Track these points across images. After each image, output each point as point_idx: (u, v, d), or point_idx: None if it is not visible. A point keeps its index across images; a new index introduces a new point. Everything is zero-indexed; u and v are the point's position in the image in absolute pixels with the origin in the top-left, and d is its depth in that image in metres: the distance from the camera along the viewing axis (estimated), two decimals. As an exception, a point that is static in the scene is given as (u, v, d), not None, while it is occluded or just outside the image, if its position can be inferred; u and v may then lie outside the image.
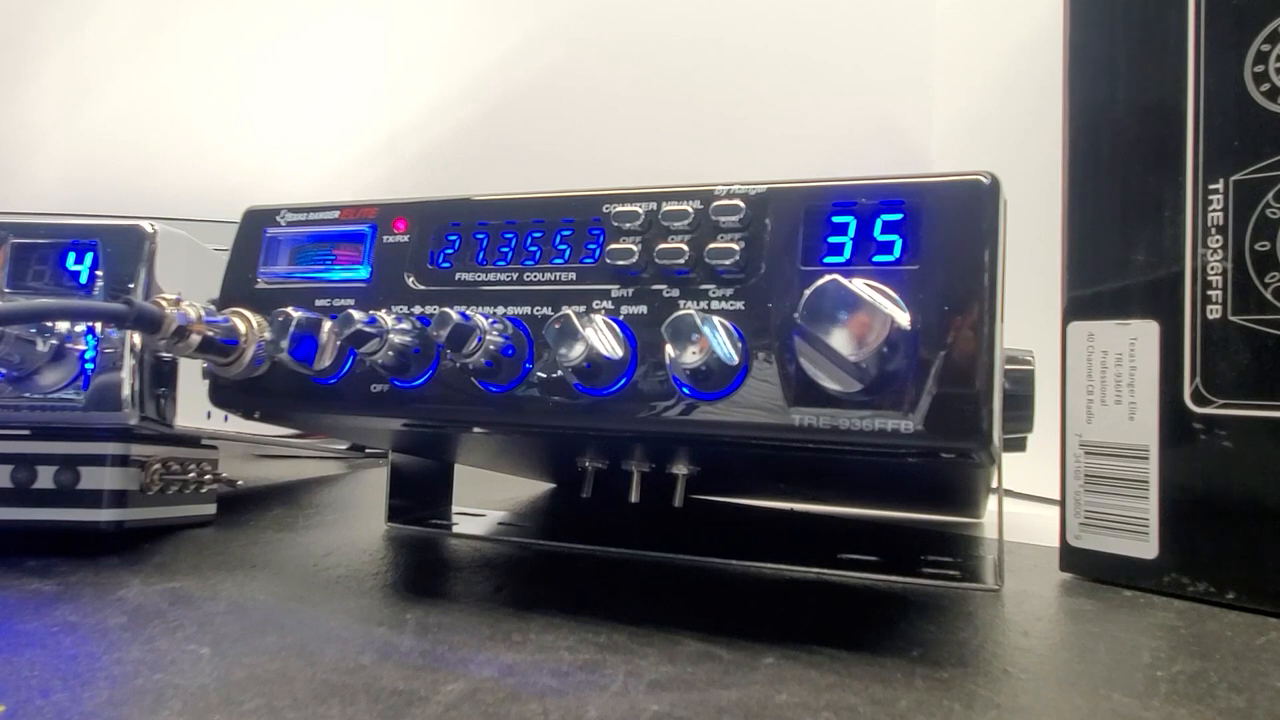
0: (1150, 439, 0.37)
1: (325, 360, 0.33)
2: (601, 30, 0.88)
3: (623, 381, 0.29)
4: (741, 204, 0.29)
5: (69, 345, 0.38)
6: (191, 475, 0.44)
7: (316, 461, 0.73)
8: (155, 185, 0.86)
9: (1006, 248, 0.27)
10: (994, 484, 0.38)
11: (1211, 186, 0.35)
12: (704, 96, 0.86)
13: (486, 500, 0.53)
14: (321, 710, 0.22)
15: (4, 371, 0.38)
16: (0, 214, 0.48)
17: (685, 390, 0.28)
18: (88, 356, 0.39)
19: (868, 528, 0.51)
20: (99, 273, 0.40)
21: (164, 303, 0.32)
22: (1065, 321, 0.39)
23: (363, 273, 0.34)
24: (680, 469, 0.35)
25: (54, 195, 0.87)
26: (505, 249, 0.33)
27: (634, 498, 0.37)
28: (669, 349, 0.27)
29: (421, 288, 0.33)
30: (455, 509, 0.51)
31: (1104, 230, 0.38)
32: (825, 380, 0.26)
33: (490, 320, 0.31)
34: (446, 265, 0.33)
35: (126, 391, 0.38)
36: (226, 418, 0.41)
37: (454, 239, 0.33)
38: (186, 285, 0.37)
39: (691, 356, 0.27)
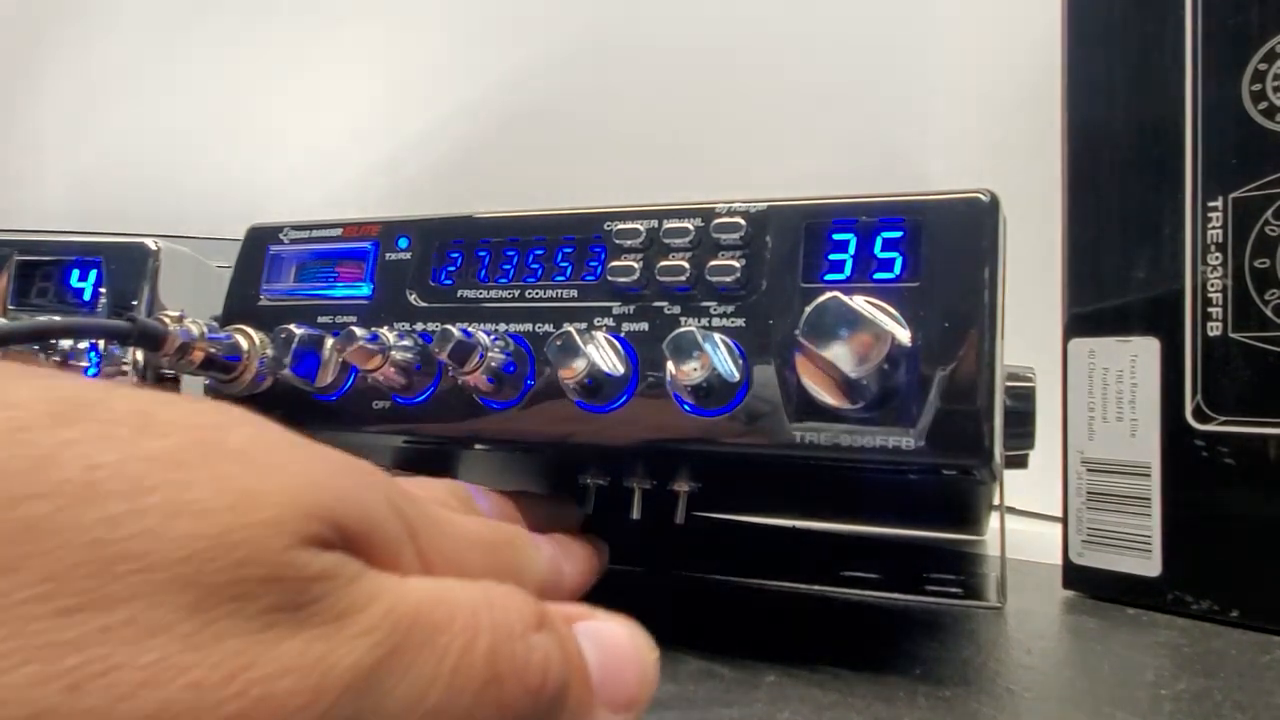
0: (1152, 456, 0.36)
1: (327, 377, 0.33)
2: (601, 50, 0.89)
3: (624, 398, 0.29)
4: (742, 221, 0.29)
5: (72, 362, 0.38)
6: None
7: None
8: (159, 202, 0.87)
9: (1006, 265, 0.27)
10: (996, 501, 0.38)
11: (1210, 204, 0.35)
12: (705, 115, 0.87)
13: (487, 517, 0.53)
14: None
15: (7, 388, 0.38)
16: (5, 231, 0.48)
17: (686, 407, 0.28)
18: (91, 374, 0.39)
19: (870, 545, 0.51)
20: (102, 290, 0.40)
21: (167, 320, 0.32)
22: (1066, 338, 0.39)
23: (365, 290, 0.34)
24: (682, 485, 0.35)
25: (58, 212, 0.87)
26: (507, 266, 0.33)
27: (635, 514, 0.36)
28: (670, 366, 0.27)
29: (424, 305, 0.33)
30: (456, 526, 0.50)
31: (1104, 247, 0.38)
32: (826, 397, 0.26)
33: (492, 337, 0.31)
34: (449, 282, 0.33)
35: (129, 408, 0.38)
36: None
37: (456, 256, 0.34)
38: (189, 302, 0.37)
39: (693, 373, 0.27)
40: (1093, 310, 0.39)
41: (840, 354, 0.25)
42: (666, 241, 0.30)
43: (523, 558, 0.23)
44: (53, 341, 0.38)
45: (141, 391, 0.15)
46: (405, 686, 0.14)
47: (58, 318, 0.39)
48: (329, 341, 0.33)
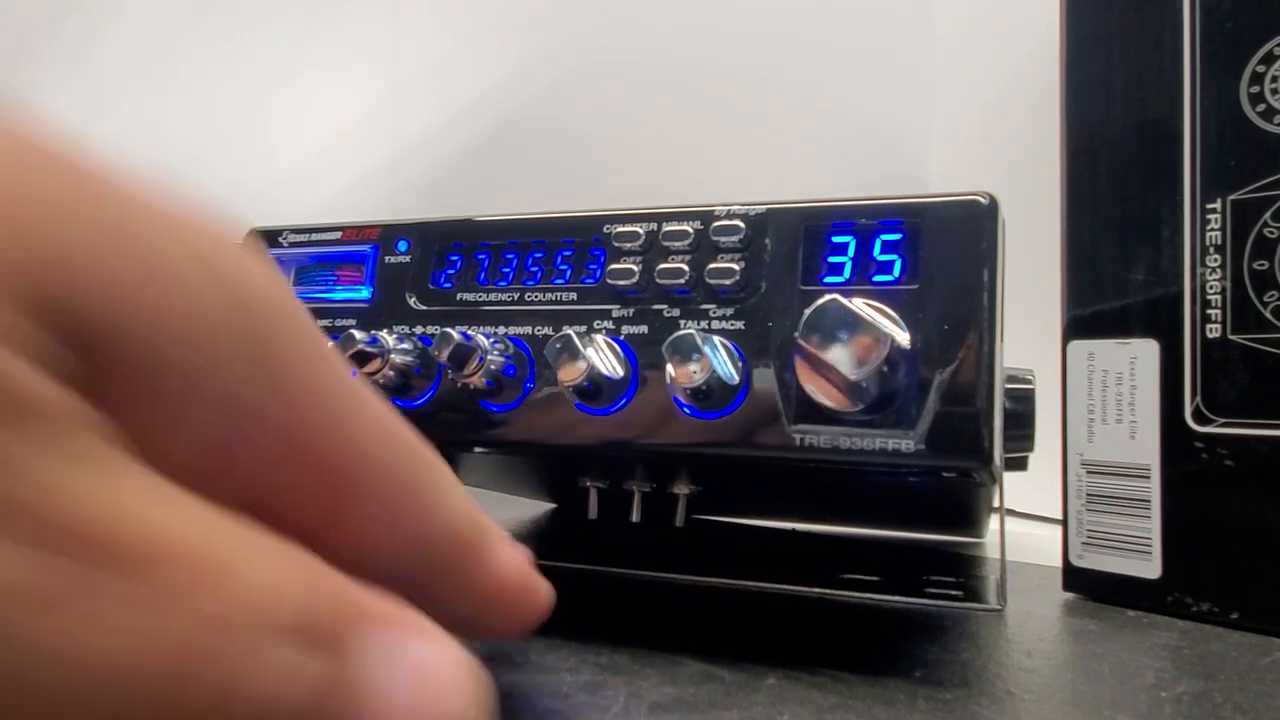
0: (1152, 458, 0.37)
1: (327, 380, 0.33)
2: (600, 52, 0.89)
3: (623, 401, 0.29)
4: (741, 224, 0.29)
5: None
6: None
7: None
8: (158, 206, 0.87)
9: (1005, 266, 0.27)
10: (996, 503, 0.38)
11: (1209, 206, 0.35)
12: (705, 118, 0.87)
13: (487, 520, 0.53)
14: (321, 732, 0.22)
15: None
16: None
17: (686, 409, 0.28)
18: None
19: (870, 547, 0.51)
20: (102, 293, 0.40)
21: (166, 323, 0.32)
22: (1065, 340, 0.39)
23: (364, 293, 0.35)
24: (681, 488, 0.35)
25: (58, 216, 0.87)
26: (506, 269, 0.33)
27: (635, 517, 0.36)
28: (670, 368, 0.27)
29: (423, 308, 0.33)
30: (456, 529, 0.50)
31: (1103, 249, 0.38)
32: (825, 399, 0.26)
33: (491, 340, 0.31)
34: (448, 285, 0.33)
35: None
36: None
37: (455, 259, 0.34)
38: (189, 305, 0.37)
39: (692, 376, 0.27)
40: (1092, 312, 0.39)
41: (840, 356, 0.25)
42: (666, 244, 0.30)
43: (443, 483, 0.16)
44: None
45: None
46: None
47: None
48: (329, 345, 0.33)
